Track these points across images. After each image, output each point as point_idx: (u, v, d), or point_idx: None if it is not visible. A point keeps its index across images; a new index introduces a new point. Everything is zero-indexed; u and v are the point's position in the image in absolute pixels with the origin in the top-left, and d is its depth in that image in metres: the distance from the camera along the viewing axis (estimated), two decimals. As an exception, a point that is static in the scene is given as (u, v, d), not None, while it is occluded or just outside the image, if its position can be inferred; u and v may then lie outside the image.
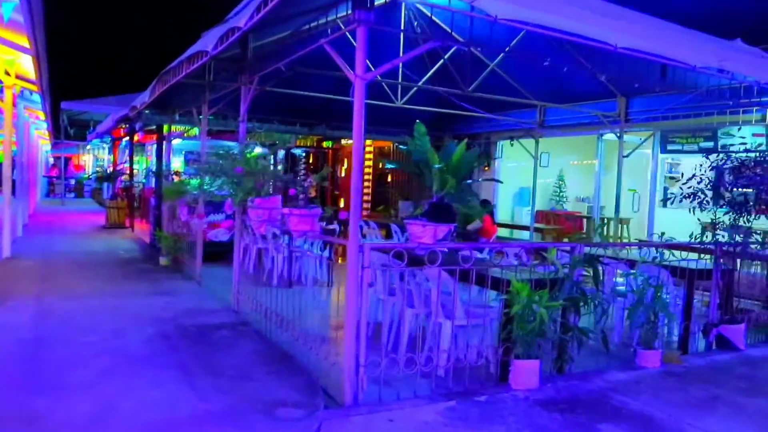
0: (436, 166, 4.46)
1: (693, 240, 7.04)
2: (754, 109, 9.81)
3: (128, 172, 17.44)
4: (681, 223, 12.06)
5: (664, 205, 12.93)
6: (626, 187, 12.90)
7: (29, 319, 6.35)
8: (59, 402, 4.16)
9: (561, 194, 16.05)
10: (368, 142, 18.65)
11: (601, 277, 5.57)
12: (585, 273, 5.46)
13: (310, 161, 21.33)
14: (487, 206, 11.23)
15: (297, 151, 22.22)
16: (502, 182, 13.71)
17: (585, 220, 14.70)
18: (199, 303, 7.49)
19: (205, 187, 6.37)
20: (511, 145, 13.18)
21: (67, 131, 31.37)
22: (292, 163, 24.06)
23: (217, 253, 10.65)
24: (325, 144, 19.96)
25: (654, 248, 6.90)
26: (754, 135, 12.57)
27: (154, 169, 12.80)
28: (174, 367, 5.01)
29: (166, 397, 4.33)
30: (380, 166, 17.25)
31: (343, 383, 4.41)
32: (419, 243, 4.51)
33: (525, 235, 13.75)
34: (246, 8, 4.93)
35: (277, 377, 4.83)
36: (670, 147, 12.10)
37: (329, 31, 5.14)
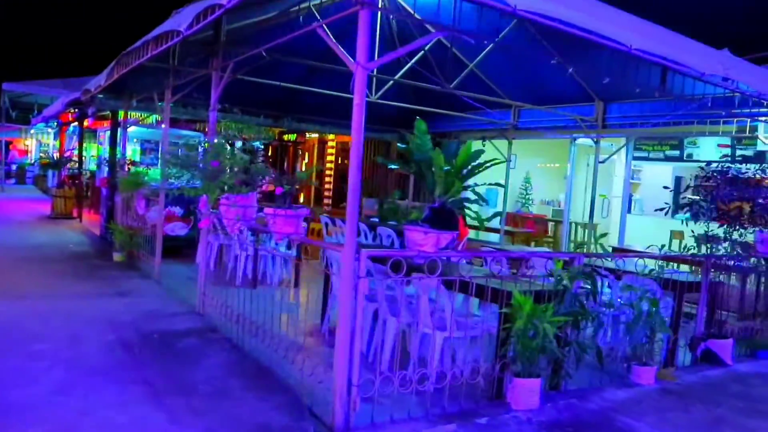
0: (445, 168, 4.07)
1: (684, 252, 6.88)
2: (722, 121, 9.66)
3: (77, 159, 16.49)
4: (648, 229, 12.06)
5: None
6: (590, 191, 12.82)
7: (-31, 322, 5.69)
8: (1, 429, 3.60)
9: (527, 197, 15.89)
10: (331, 136, 18.18)
11: (599, 290, 5.29)
12: (583, 285, 5.16)
13: (269, 154, 20.70)
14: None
15: (256, 143, 21.54)
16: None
17: (550, 224, 14.56)
18: (161, 305, 6.92)
19: (172, 180, 5.82)
20: (483, 145, 12.88)
21: (9, 114, 29.85)
22: (251, 155, 23.41)
23: (175, 248, 10.05)
24: (286, 137, 19.36)
25: (645, 259, 6.61)
26: (719, 146, 12.65)
27: (107, 158, 12.04)
28: (139, 382, 4.48)
29: (133, 420, 3.81)
30: (372, 163, 16.76)
31: (332, 404, 3.97)
32: (420, 251, 4.11)
33: (494, 237, 13.52)
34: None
35: (257, 395, 4.36)
36: (636, 154, 12.02)
37: (318, 13, 4.67)
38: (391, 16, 9.95)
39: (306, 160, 19.52)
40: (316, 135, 18.29)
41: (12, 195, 23.23)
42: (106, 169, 12.25)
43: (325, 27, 4.41)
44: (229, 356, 5.21)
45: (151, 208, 10.06)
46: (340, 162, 18.15)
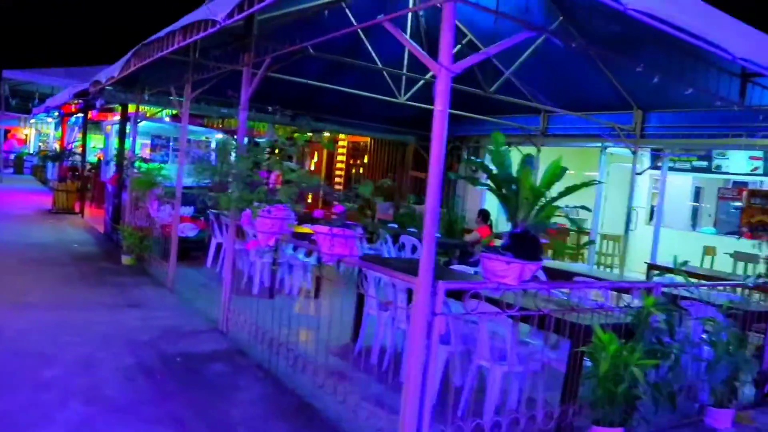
0: (542, 190, 3.51)
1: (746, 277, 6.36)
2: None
3: (79, 151, 15.86)
4: (673, 243, 11.52)
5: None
6: (613, 201, 12.29)
7: (-29, 339, 5.10)
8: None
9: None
10: (342, 136, 17.57)
11: (677, 323, 4.75)
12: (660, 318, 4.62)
13: (276, 152, 20.09)
14: (487, 218, 10.41)
15: (261, 141, 20.93)
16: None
17: (570, 234, 14.02)
18: (179, 320, 6.34)
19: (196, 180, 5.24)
20: (509, 151, 12.33)
21: (8, 102, 29.15)
22: (255, 153, 22.74)
23: (183, 250, 9.47)
24: (297, 136, 18.68)
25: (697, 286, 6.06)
26: (750, 158, 12.14)
27: (114, 153, 11.42)
28: (167, 420, 3.91)
29: (168, 476, 3.25)
30: (386, 165, 16.20)
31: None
32: (499, 283, 3.56)
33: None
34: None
35: (305, 443, 3.80)
36: (658, 164, 11.47)
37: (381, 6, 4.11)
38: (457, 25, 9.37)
39: (315, 159, 18.90)
40: (328, 134, 17.69)
41: (10, 186, 22.56)
42: (113, 164, 11.62)
43: (388, 23, 3.83)
44: (264, 387, 4.64)
45: (162, 207, 9.48)
46: (351, 162, 17.56)
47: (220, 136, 16.04)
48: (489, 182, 3.81)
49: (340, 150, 18.02)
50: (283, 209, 4.63)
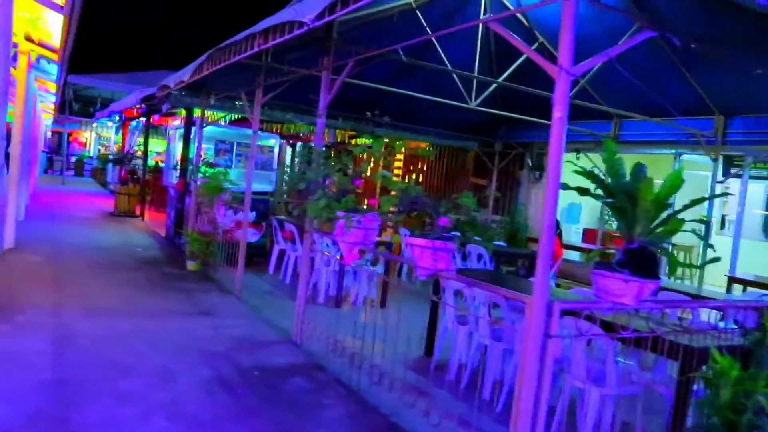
0: (670, 202, 3.20)
1: None
2: None
3: (142, 156, 16.04)
4: (748, 253, 10.89)
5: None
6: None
7: (48, 347, 4.99)
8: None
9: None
10: (399, 142, 17.33)
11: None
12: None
13: (332, 157, 19.95)
14: (556, 227, 10.01)
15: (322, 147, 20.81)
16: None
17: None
18: (251, 329, 6.19)
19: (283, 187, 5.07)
20: (577, 158, 11.89)
21: (72, 106, 29.94)
22: (309, 158, 22.62)
23: (247, 255, 9.39)
24: (355, 141, 18.49)
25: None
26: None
27: (179, 156, 11.44)
28: (253, 440, 3.73)
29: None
30: (445, 171, 15.92)
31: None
32: (615, 303, 3.26)
33: (573, 255, 12.56)
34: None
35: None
36: (732, 171, 10.85)
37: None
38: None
39: (371, 166, 18.69)
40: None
41: (73, 188, 23.09)
42: (176, 169, 11.64)
43: (495, 24, 3.58)
44: (347, 405, 4.42)
45: (227, 213, 9.40)
46: (411, 169, 17.32)
47: (274, 141, 16.05)
48: (600, 192, 3.50)
49: (398, 156, 17.79)
50: (372, 219, 4.42)
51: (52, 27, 8.55)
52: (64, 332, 5.42)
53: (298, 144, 19.71)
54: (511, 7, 8.69)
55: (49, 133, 34.96)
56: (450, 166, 15.96)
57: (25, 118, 11.75)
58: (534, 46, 8.82)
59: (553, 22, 8.67)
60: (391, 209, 4.09)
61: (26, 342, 5.05)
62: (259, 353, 5.41)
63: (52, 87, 14.67)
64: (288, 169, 13.91)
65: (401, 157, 17.67)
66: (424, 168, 16.85)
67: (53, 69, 11.86)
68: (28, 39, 8.92)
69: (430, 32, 7.98)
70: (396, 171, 17.80)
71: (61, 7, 6.25)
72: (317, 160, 5.34)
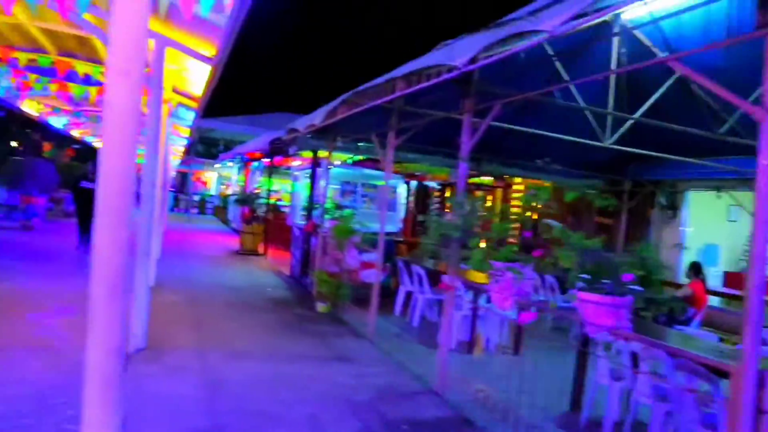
0: None
1: None
2: None
3: (267, 196, 16.60)
4: None
5: None
6: None
7: (198, 392, 5.07)
8: None
9: (754, 255, 13.67)
10: (518, 179, 16.94)
11: None
12: None
13: (446, 195, 19.80)
14: (699, 271, 9.34)
15: (432, 183, 20.74)
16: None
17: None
18: (391, 377, 6.05)
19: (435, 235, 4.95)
20: (718, 197, 11.13)
21: (196, 148, 31.73)
22: (425, 197, 22.55)
23: (369, 296, 9.34)
24: (475, 180, 18.23)
25: None
26: None
27: (306, 198, 11.66)
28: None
29: None
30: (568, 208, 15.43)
31: None
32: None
33: (714, 300, 11.63)
34: None
35: None
36: None
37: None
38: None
39: (490, 205, 18.39)
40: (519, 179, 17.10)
41: (198, 225, 24.26)
42: (303, 209, 11.86)
43: (677, 63, 3.31)
44: (504, 469, 4.16)
45: (353, 253, 9.43)
46: (533, 206, 16.82)
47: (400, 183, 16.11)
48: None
49: (515, 195, 17.40)
50: (529, 271, 4.20)
51: (193, 76, 9.00)
52: (211, 376, 5.50)
53: (412, 182, 19.74)
54: (648, 42, 8.26)
55: (173, 173, 37.21)
56: (572, 204, 15.36)
57: (163, 163, 12.45)
58: (670, 81, 8.33)
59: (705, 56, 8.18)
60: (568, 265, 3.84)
61: (177, 385, 5.16)
62: (403, 405, 5.24)
63: (185, 132, 15.51)
64: (435, 216, 13.86)
65: (519, 195, 17.27)
66: (538, 206, 16.33)
67: (188, 114, 12.52)
68: (174, 90, 9.41)
69: (560, 67, 7.70)
70: (514, 210, 17.38)
71: (210, 58, 6.51)
72: (462, 206, 5.19)
